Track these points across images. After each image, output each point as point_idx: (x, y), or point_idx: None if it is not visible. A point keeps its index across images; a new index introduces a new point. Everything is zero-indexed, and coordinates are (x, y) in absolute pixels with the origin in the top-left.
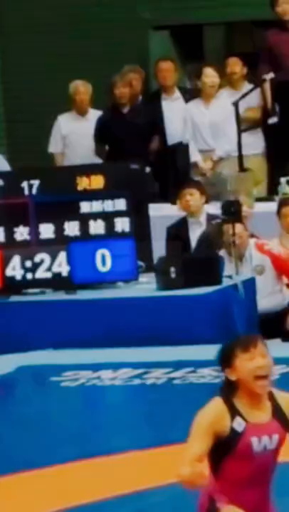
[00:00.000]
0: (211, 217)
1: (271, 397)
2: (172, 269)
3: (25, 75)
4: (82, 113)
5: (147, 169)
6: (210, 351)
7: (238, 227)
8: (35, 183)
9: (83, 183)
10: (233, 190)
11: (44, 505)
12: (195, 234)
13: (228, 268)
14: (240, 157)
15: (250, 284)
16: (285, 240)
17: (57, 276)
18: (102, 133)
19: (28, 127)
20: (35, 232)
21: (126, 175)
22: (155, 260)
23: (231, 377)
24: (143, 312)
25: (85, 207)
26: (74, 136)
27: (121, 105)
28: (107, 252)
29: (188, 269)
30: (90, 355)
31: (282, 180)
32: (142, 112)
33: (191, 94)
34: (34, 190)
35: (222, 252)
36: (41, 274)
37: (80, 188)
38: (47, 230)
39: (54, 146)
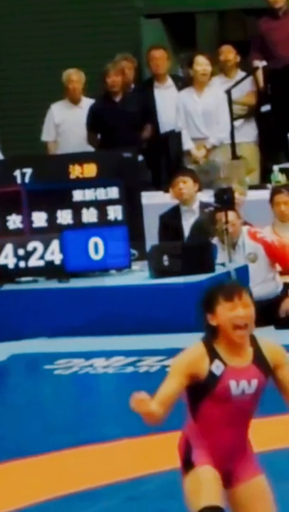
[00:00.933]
0: (203, 205)
1: (253, 343)
2: (165, 257)
3: (19, 64)
4: (75, 101)
5: (140, 157)
6: None
7: (231, 215)
8: (28, 171)
9: (76, 171)
10: (226, 178)
11: (37, 492)
12: (188, 222)
13: (221, 256)
14: (233, 145)
15: (243, 272)
16: (277, 227)
17: (50, 264)
18: (95, 121)
19: (20, 116)
20: (27, 221)
21: (118, 163)
22: (148, 248)
23: (212, 322)
24: (136, 300)
25: (78, 195)
26: (67, 125)
27: (113, 93)
28: (99, 240)
29: (181, 257)
30: (82, 343)
31: (275, 168)
32: (135, 100)
33: (183, 82)
34: (27, 179)
35: (215, 240)
36: (34, 262)
37: (72, 176)
38: (39, 219)
39: (47, 135)
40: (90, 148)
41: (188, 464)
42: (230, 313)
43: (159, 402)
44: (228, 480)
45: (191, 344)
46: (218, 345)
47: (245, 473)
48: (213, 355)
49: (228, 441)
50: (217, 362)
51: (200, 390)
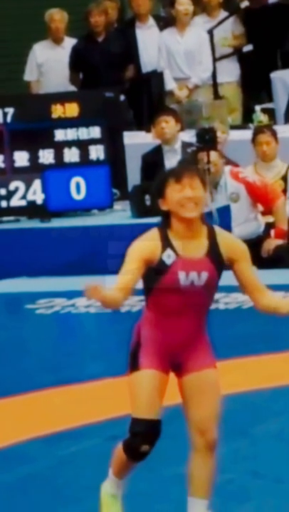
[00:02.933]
0: (186, 145)
1: (211, 236)
2: (147, 197)
3: (1, 3)
4: (57, 41)
5: (122, 97)
6: None
7: (213, 155)
8: (10, 110)
9: (58, 110)
10: (208, 118)
11: (18, 432)
12: (170, 162)
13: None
14: (215, 85)
15: (225, 212)
16: (259, 167)
17: (31, 204)
18: (77, 61)
19: (3, 55)
20: (9, 160)
21: (100, 103)
22: (130, 188)
23: (163, 207)
24: (118, 240)
25: (60, 135)
26: (49, 64)
27: (96, 33)
28: (81, 180)
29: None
30: (64, 282)
31: (257, 108)
32: (117, 40)
33: (165, 22)
34: (9, 118)
35: None
36: (16, 202)
37: (54, 115)
38: (21, 158)
39: (29, 74)
40: (73, 88)
41: (133, 362)
42: (179, 194)
43: (119, 288)
44: (180, 369)
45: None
46: (172, 233)
47: (196, 364)
48: (166, 243)
49: (179, 332)
50: (169, 251)
51: (151, 278)
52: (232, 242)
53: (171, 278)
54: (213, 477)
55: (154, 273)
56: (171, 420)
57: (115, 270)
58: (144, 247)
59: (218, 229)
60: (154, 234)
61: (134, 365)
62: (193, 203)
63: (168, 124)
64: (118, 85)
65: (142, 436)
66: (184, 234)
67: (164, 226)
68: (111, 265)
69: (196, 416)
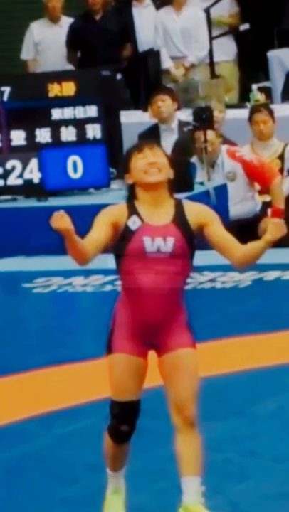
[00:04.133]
0: (182, 124)
1: (178, 206)
2: None
3: None
4: (54, 20)
5: (119, 76)
6: None
7: (210, 133)
8: (7, 89)
9: (54, 89)
10: (205, 97)
11: (16, 411)
12: (167, 141)
13: (200, 175)
14: (212, 64)
15: (222, 191)
16: (256, 146)
17: (28, 183)
18: (75, 39)
19: (0, 34)
20: (6, 139)
21: (97, 82)
22: None
23: (129, 181)
24: None
25: (57, 113)
26: (46, 43)
27: (94, 12)
28: (78, 159)
29: None
30: (61, 261)
31: (254, 87)
32: (114, 18)
33: (161, 0)
34: (5, 97)
35: (194, 159)
36: (13, 181)
37: (51, 94)
38: (18, 137)
39: (26, 53)
40: (70, 67)
41: (108, 346)
42: (141, 161)
43: (87, 243)
44: (158, 349)
45: None
46: (138, 202)
47: (172, 344)
48: (132, 211)
49: (153, 311)
50: (134, 217)
51: (118, 248)
52: (199, 208)
53: (136, 244)
54: (200, 454)
55: (120, 241)
56: (165, 400)
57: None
58: (110, 213)
59: (185, 201)
60: (120, 204)
61: (108, 349)
62: (156, 169)
63: (164, 102)
64: (115, 64)
65: (119, 417)
66: (149, 202)
67: (131, 199)
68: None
69: (173, 394)
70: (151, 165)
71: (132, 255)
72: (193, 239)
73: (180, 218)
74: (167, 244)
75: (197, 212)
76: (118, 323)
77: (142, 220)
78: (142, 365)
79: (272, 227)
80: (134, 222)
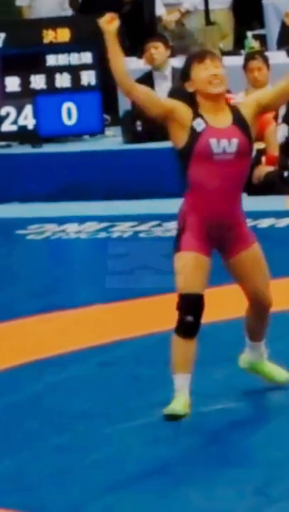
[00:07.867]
0: (176, 71)
1: (235, 110)
2: (138, 123)
3: None
4: None
5: None
6: (176, 205)
7: None
8: (1, 36)
9: (49, 36)
10: (200, 44)
11: (8, 358)
12: (161, 87)
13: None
14: (207, 11)
15: None
16: (251, 93)
17: (23, 129)
18: None
19: None
20: (1, 86)
21: (93, 28)
22: (121, 114)
23: (190, 89)
24: (109, 165)
25: (51, 60)
26: None
27: None
28: (73, 106)
29: (154, 123)
30: (55, 208)
31: (249, 34)
32: None
33: None
34: (0, 44)
35: None
36: (7, 127)
37: (46, 41)
38: (13, 83)
39: None
40: (65, 13)
41: (176, 245)
42: (204, 72)
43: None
44: (226, 251)
45: (164, 209)
46: (200, 109)
47: (241, 244)
48: (196, 114)
49: (219, 209)
50: (199, 120)
51: (185, 152)
52: (248, 101)
53: (203, 145)
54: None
55: (187, 143)
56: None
57: (105, 196)
58: (179, 103)
59: (239, 103)
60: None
61: (176, 248)
62: (219, 80)
63: (157, 49)
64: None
65: (186, 309)
66: (211, 109)
67: (194, 104)
68: (101, 191)
69: (253, 289)
70: (215, 76)
71: (199, 156)
72: (252, 138)
73: (238, 118)
74: (232, 145)
75: (248, 104)
76: (187, 224)
77: (206, 122)
78: (207, 262)
79: None
80: (199, 124)
